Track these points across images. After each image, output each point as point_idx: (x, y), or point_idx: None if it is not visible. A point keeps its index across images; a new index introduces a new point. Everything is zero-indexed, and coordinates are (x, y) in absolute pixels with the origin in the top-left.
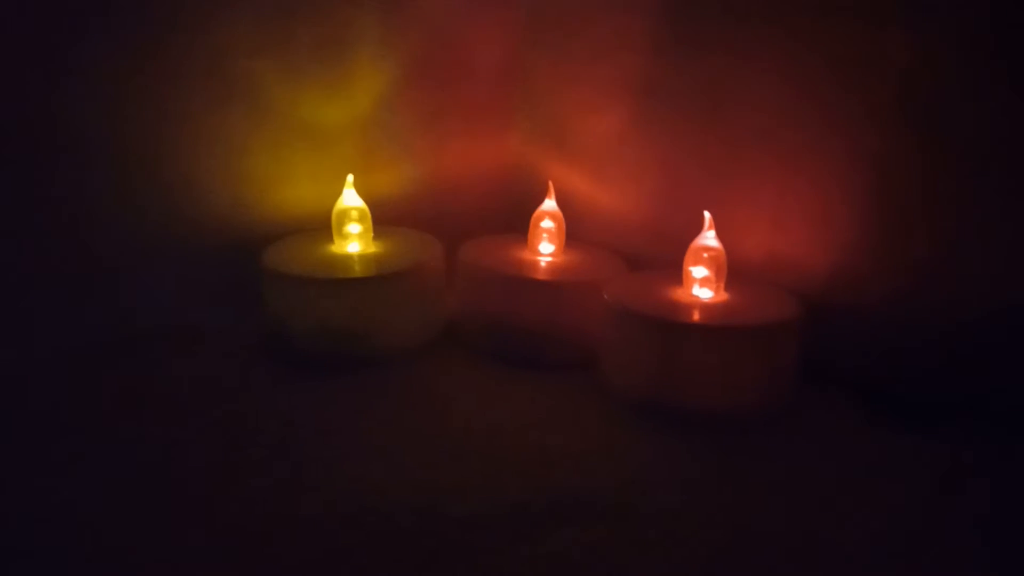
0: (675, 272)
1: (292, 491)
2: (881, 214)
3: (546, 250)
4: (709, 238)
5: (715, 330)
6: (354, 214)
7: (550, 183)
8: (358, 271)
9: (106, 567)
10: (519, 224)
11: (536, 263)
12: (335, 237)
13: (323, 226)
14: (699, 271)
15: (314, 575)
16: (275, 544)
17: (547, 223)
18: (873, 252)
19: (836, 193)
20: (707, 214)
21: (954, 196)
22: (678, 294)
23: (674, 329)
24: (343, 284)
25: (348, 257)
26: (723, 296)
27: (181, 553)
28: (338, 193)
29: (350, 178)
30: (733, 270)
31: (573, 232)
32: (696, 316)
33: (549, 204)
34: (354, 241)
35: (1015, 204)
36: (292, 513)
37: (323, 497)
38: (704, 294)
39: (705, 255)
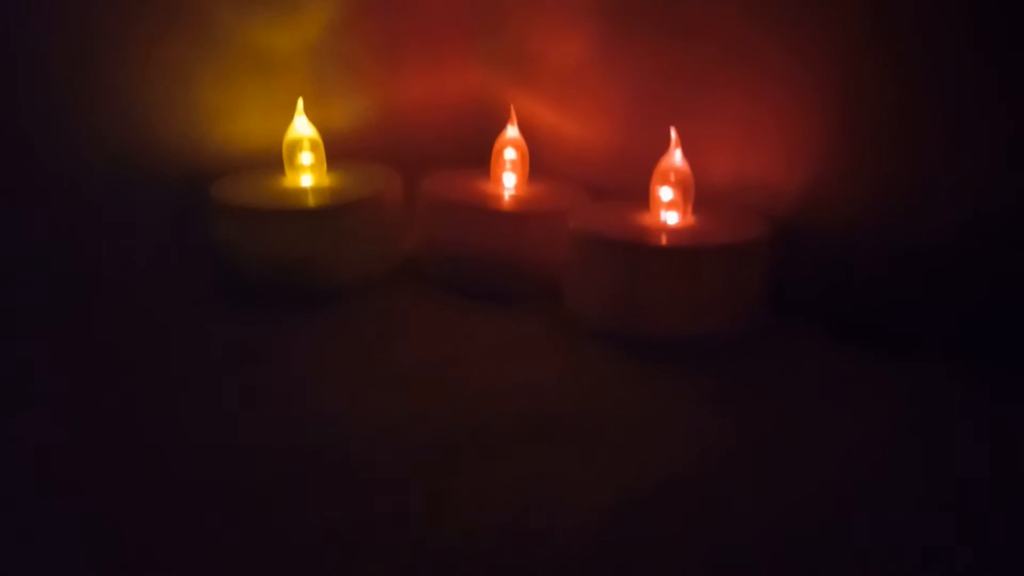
0: (642, 200)
1: (245, 422)
2: (851, 133)
3: (509, 182)
4: (676, 157)
5: (681, 252)
6: (306, 144)
7: (512, 108)
8: (312, 202)
9: (45, 497)
10: (481, 156)
11: (499, 195)
12: (286, 169)
13: (274, 161)
14: (666, 192)
15: (268, 503)
16: (226, 472)
17: (510, 153)
18: (844, 172)
19: (805, 112)
20: (673, 131)
21: (926, 114)
22: (644, 219)
23: (639, 252)
24: (296, 215)
25: (301, 189)
26: (690, 220)
27: (127, 485)
28: (289, 125)
29: (300, 103)
30: (701, 195)
31: (537, 165)
32: (663, 239)
33: (511, 132)
34: (307, 173)
35: (987, 122)
36: (243, 443)
37: (278, 427)
38: (671, 218)
39: (672, 177)
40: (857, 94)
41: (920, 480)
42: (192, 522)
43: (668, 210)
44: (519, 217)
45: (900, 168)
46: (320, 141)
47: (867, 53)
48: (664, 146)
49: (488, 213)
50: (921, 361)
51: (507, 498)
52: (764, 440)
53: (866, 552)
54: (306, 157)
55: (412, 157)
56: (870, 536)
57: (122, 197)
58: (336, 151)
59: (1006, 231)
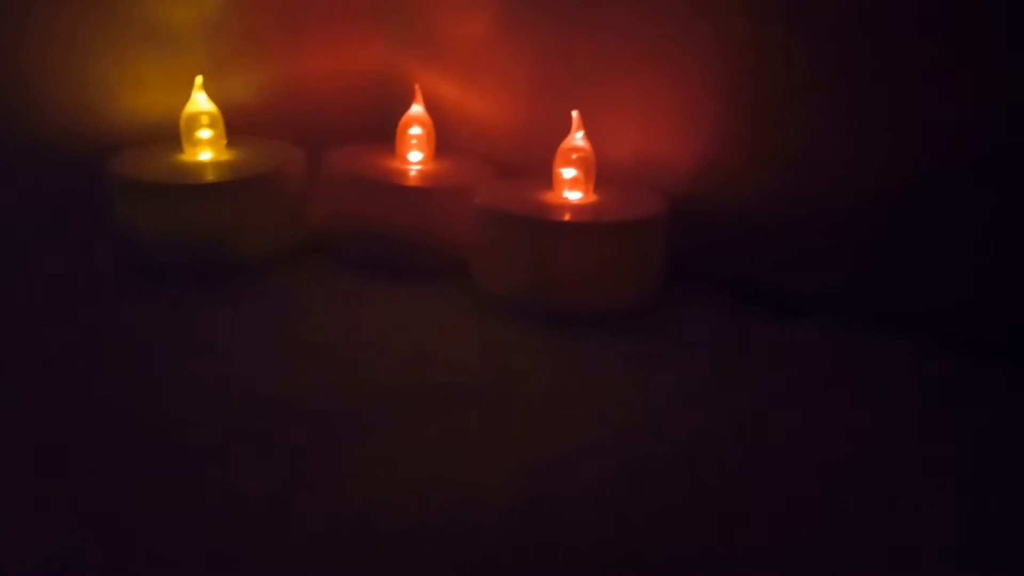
0: (545, 178)
1: (152, 399)
2: (746, 107)
3: (415, 158)
4: (577, 138)
5: (583, 227)
6: (204, 119)
7: (417, 87)
8: (210, 177)
9: None
10: (386, 133)
11: (405, 171)
12: (185, 145)
13: (172, 136)
14: (568, 172)
15: (183, 475)
16: (141, 447)
17: (415, 130)
18: (740, 145)
19: (701, 87)
20: (575, 114)
21: (820, 85)
22: (548, 197)
23: (542, 228)
24: (194, 190)
25: (200, 164)
26: (592, 197)
27: (42, 467)
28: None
29: (199, 80)
30: (603, 174)
31: (443, 142)
32: (565, 216)
33: (416, 109)
34: (205, 149)
35: (885, 92)
36: (154, 418)
37: (185, 403)
38: (573, 196)
39: (574, 156)
40: (752, 73)
41: (821, 433)
42: (113, 500)
43: (571, 188)
44: (424, 193)
45: (793, 142)
46: (219, 116)
47: (767, 22)
48: (568, 124)
49: (393, 188)
50: (813, 323)
51: (417, 465)
52: (668, 404)
53: (774, 504)
54: (205, 132)
55: (316, 133)
56: (777, 487)
57: (16, 172)
58: (238, 126)
59: (896, 201)
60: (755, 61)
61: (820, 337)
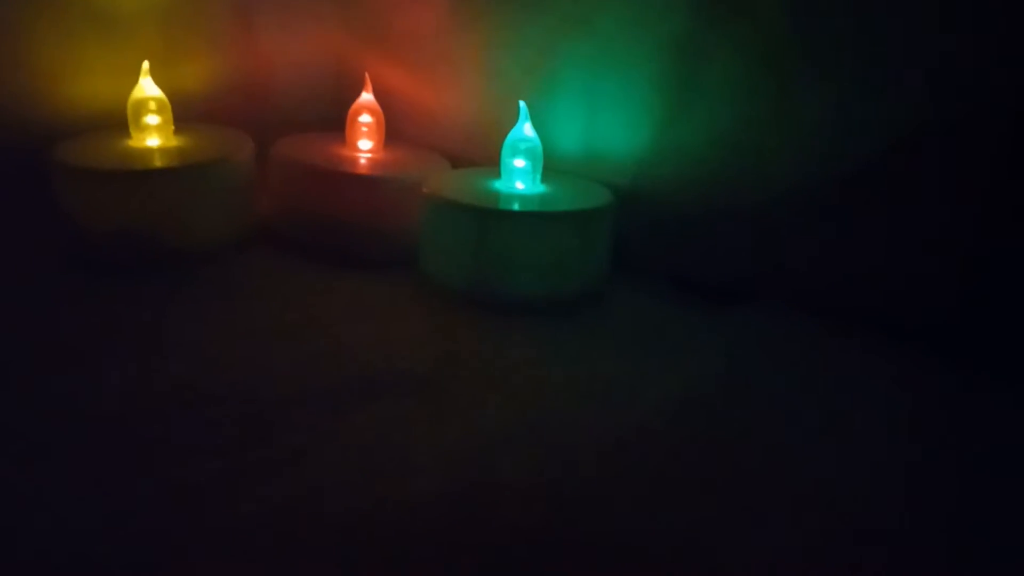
0: (494, 168)
1: (99, 388)
2: (685, 98)
3: (365, 146)
4: (525, 129)
5: (529, 217)
6: (152, 105)
7: (367, 75)
8: (158, 163)
9: None
10: (339, 122)
11: (355, 159)
12: (132, 131)
13: (120, 123)
14: (516, 161)
15: (123, 461)
16: (84, 438)
17: (365, 118)
18: (677, 140)
19: (644, 81)
20: (522, 104)
21: (751, 83)
22: (496, 186)
23: (489, 217)
24: (140, 176)
25: (148, 150)
26: (539, 188)
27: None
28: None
29: (146, 65)
30: (551, 165)
31: (395, 133)
32: (513, 205)
33: (366, 97)
34: (153, 135)
35: (815, 79)
36: (100, 407)
37: (132, 390)
38: (521, 186)
39: (522, 147)
40: (693, 67)
41: (759, 420)
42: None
43: (518, 178)
44: (372, 181)
45: (727, 135)
46: (167, 102)
47: (700, 28)
48: (515, 116)
49: (341, 176)
50: (752, 312)
51: (353, 451)
52: (604, 392)
53: (704, 491)
54: (152, 118)
55: (267, 121)
56: (711, 474)
57: None
58: (188, 113)
59: (825, 190)
60: (696, 56)
61: (759, 325)
